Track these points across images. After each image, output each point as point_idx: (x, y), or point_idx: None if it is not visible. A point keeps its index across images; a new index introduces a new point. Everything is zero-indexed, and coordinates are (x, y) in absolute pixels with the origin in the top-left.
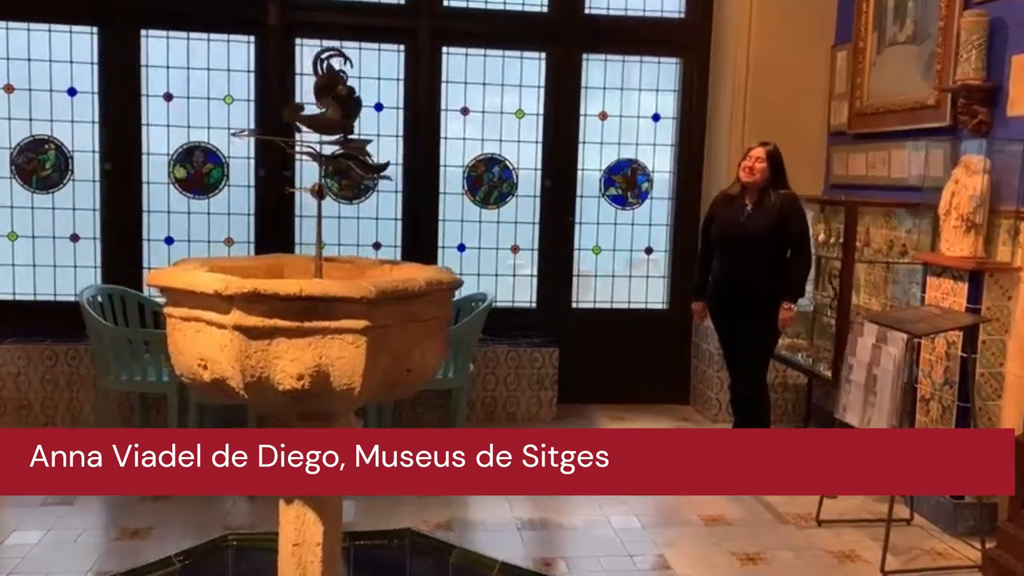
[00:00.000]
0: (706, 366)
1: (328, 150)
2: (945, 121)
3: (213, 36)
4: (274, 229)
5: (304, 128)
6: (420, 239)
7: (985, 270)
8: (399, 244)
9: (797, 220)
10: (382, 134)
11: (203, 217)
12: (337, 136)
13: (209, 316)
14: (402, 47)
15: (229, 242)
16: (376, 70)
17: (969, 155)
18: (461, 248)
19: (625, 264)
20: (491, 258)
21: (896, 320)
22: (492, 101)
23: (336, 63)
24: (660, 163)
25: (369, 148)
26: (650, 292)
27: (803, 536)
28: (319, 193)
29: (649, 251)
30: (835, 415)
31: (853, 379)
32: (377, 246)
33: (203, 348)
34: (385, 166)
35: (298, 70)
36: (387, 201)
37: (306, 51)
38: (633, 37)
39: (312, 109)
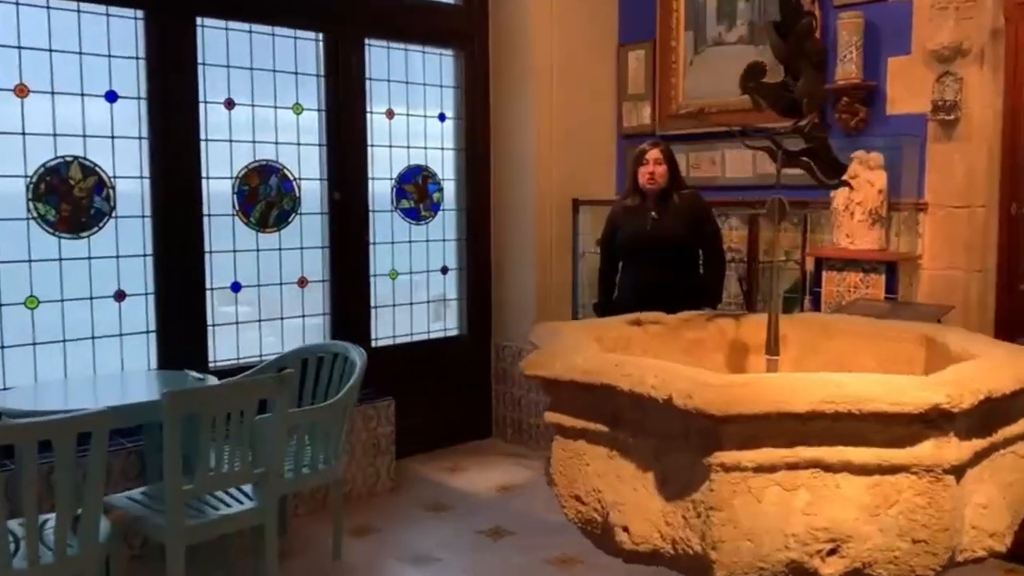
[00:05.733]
0: (523, 392)
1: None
2: None
3: None
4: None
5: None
6: (180, 278)
7: (899, 260)
8: (152, 290)
9: (710, 220)
10: (117, 135)
11: None
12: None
13: (870, 457)
14: (140, 13)
15: None
16: (105, 46)
17: (863, 152)
18: (235, 287)
19: (423, 288)
20: (274, 297)
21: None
22: (263, 92)
23: None
24: (448, 169)
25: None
26: (448, 318)
27: None
28: (778, 217)
29: (445, 271)
30: None
31: None
32: (121, 295)
33: (833, 516)
34: (845, 167)
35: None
36: (130, 229)
37: (24, 11)
38: (413, 22)
39: None
